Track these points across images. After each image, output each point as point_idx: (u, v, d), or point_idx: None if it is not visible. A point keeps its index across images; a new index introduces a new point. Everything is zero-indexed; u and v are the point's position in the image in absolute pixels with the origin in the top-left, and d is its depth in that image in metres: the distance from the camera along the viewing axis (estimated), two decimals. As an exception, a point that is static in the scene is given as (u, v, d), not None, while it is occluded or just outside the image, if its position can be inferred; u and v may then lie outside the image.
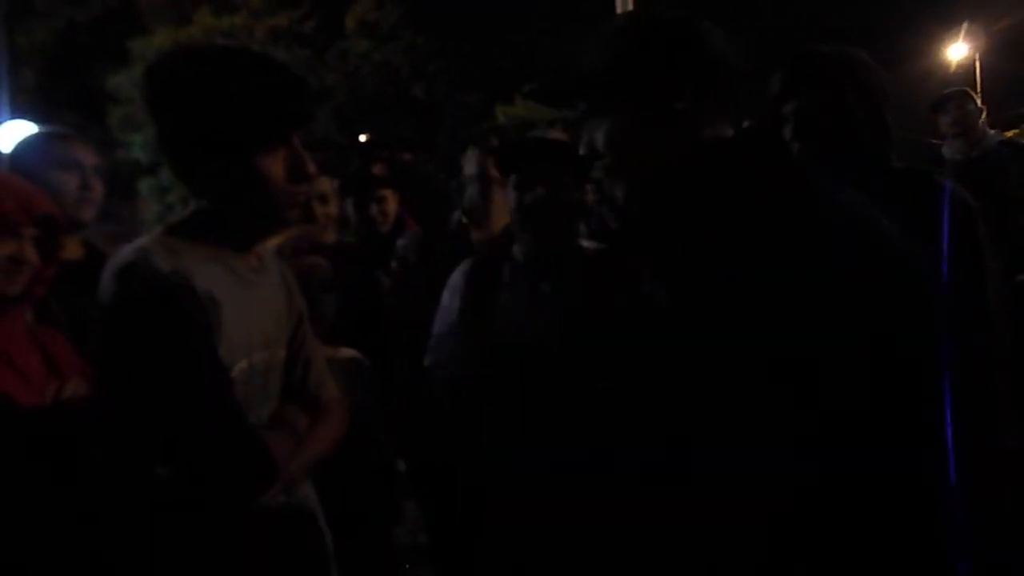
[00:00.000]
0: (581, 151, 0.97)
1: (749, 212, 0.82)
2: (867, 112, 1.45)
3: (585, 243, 1.66)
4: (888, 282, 0.81)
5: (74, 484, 1.11)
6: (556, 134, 1.72)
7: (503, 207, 2.05)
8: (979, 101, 3.49)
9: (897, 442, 0.82)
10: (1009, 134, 5.38)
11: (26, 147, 1.76)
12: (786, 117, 1.50)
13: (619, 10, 5.14)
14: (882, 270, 0.81)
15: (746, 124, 0.96)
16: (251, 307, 1.13)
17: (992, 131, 3.60)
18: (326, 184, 2.31)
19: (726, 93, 0.93)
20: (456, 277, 1.72)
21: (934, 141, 3.73)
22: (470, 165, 2.08)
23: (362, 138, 16.91)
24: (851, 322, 0.77)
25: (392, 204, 2.62)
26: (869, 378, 0.77)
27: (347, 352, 1.80)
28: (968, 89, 3.62)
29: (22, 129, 5.59)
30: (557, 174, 1.56)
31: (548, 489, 1.25)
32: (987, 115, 3.54)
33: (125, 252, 1.06)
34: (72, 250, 1.68)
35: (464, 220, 2.11)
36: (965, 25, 13.96)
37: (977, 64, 14.07)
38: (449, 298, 1.70)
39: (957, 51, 14.36)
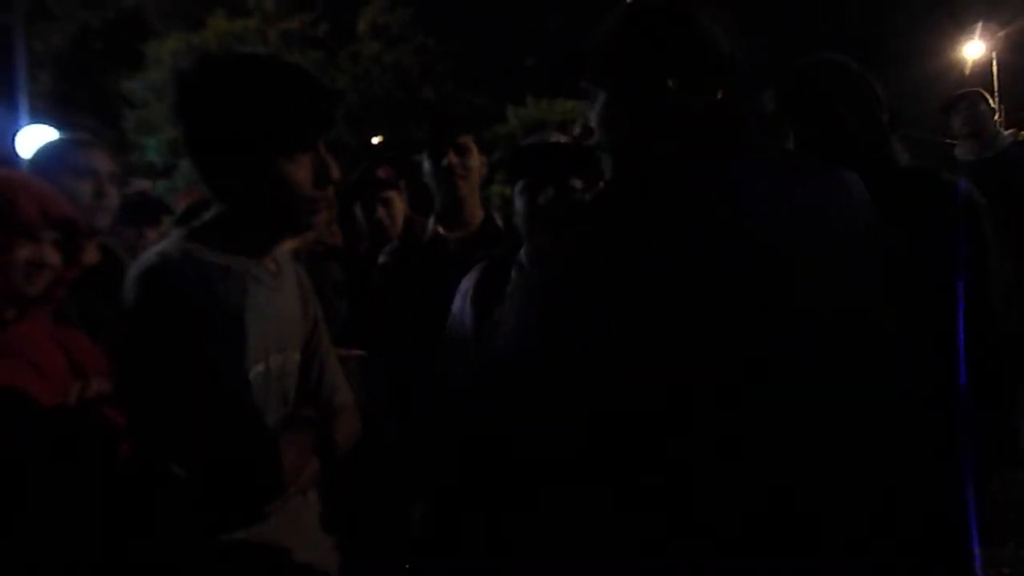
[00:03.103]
0: (578, 131, 1.04)
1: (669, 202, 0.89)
2: (860, 117, 1.46)
3: None
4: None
5: (98, 484, 1.13)
6: (558, 137, 1.72)
7: (474, 201, 2.01)
8: (995, 101, 3.46)
9: None
10: (1024, 134, 5.32)
11: (43, 153, 1.79)
12: (784, 131, 1.51)
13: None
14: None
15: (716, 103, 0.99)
16: (269, 311, 1.15)
17: (1007, 131, 3.57)
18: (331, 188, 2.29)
19: (714, 76, 0.97)
20: (466, 284, 1.71)
21: (948, 141, 3.70)
22: (426, 163, 2.03)
23: (375, 140, 16.96)
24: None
25: (398, 206, 2.57)
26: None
27: (357, 353, 1.81)
28: (981, 89, 3.58)
29: (40, 133, 5.66)
30: (566, 176, 1.57)
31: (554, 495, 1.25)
32: (1004, 114, 3.51)
33: (148, 255, 1.08)
34: (87, 255, 1.70)
35: (440, 229, 2.06)
36: (980, 23, 13.83)
37: (994, 63, 13.93)
38: (460, 305, 1.69)
39: (973, 50, 14.23)
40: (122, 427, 1.19)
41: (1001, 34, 13.74)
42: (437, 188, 2.02)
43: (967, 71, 13.84)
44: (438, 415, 1.61)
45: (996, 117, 3.45)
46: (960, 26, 14.39)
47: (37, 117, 8.23)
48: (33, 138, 5.68)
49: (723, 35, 0.99)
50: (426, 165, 2.04)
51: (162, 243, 1.12)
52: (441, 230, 2.04)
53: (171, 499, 1.06)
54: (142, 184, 3.47)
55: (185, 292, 1.04)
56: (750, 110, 1.04)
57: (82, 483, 1.13)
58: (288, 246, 1.32)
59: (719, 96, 0.98)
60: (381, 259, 2.19)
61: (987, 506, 1.43)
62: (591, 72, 1.01)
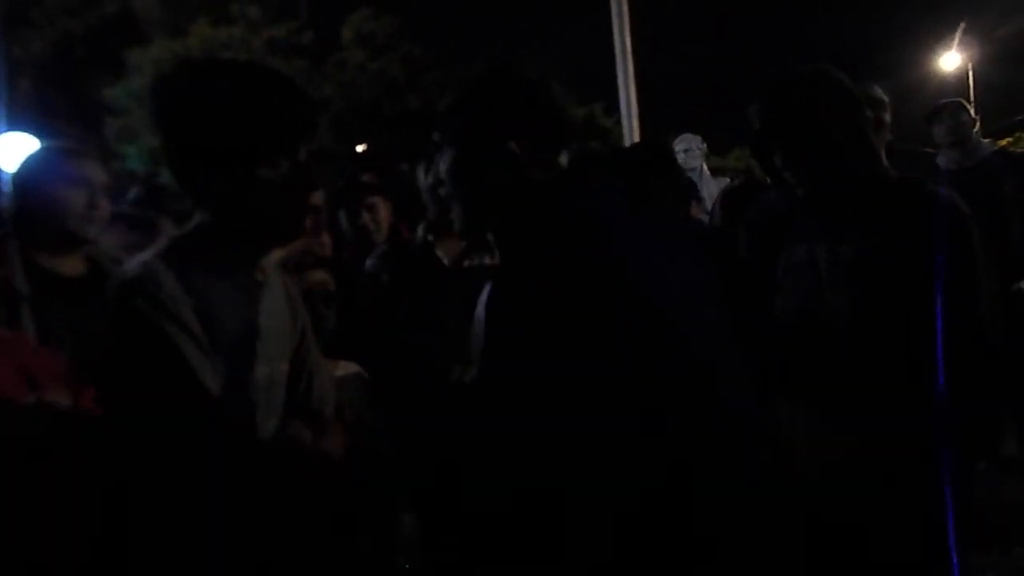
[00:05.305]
0: (430, 179, 1.10)
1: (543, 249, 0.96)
2: (846, 130, 1.47)
3: None
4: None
5: (48, 494, 1.11)
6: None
7: None
8: (973, 111, 3.53)
9: None
10: (1003, 143, 5.43)
11: (35, 161, 1.76)
12: (772, 147, 1.52)
13: (615, 22, 5.16)
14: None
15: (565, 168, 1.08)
16: (255, 321, 1.14)
17: (986, 140, 3.63)
18: (317, 196, 2.27)
19: (556, 141, 1.06)
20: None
21: (929, 150, 3.76)
22: (420, 175, 2.02)
23: (359, 149, 16.94)
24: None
25: (383, 212, 2.52)
26: None
27: (348, 366, 1.80)
28: (962, 100, 3.65)
29: (19, 141, 5.58)
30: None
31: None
32: (981, 124, 3.57)
33: (130, 266, 1.07)
34: (75, 265, 1.69)
35: (429, 237, 2.05)
36: (958, 35, 14.11)
37: (970, 73, 14.21)
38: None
39: (951, 61, 14.51)
40: (81, 435, 1.16)
41: (978, 45, 14.04)
42: (431, 201, 2.02)
43: (944, 82, 14.11)
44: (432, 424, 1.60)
45: (977, 127, 3.51)
46: (937, 38, 14.69)
47: (16, 124, 8.12)
48: (12, 145, 5.60)
49: (565, 103, 1.08)
50: (420, 177, 2.03)
51: (145, 253, 1.11)
52: (431, 238, 2.04)
53: (154, 510, 1.05)
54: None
55: (168, 302, 1.03)
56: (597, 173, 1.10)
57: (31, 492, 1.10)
58: (276, 255, 1.32)
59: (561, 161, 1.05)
60: (368, 264, 2.18)
61: (971, 512, 1.45)
62: (440, 129, 1.08)
